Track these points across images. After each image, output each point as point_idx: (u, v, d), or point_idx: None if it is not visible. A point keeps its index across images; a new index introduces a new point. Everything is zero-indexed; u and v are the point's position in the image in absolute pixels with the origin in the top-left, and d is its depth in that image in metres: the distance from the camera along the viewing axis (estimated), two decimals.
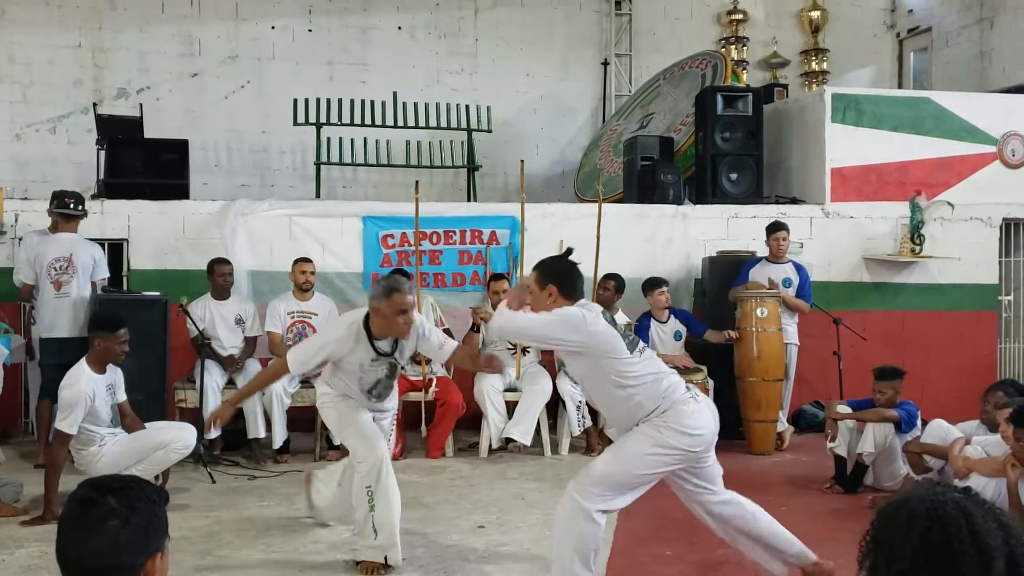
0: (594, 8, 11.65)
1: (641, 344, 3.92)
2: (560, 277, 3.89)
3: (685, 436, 3.75)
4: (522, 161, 7.78)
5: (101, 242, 7.18)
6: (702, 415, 3.82)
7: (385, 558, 4.34)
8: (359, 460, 4.41)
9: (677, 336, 7.47)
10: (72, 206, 6.69)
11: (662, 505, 5.64)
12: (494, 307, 7.19)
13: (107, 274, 6.86)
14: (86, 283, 6.64)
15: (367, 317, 4.44)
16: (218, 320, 7.01)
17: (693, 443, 3.77)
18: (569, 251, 4.10)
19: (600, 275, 7.39)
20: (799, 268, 7.58)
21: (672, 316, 7.49)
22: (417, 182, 7.60)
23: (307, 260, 7.23)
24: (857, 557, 1.71)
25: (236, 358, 6.93)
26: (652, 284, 7.47)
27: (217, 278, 7.07)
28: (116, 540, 1.79)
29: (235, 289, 7.28)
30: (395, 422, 4.62)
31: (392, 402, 4.90)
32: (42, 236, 6.73)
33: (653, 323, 7.44)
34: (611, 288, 7.39)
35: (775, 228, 7.58)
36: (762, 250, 7.84)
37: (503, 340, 7.09)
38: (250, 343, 7.10)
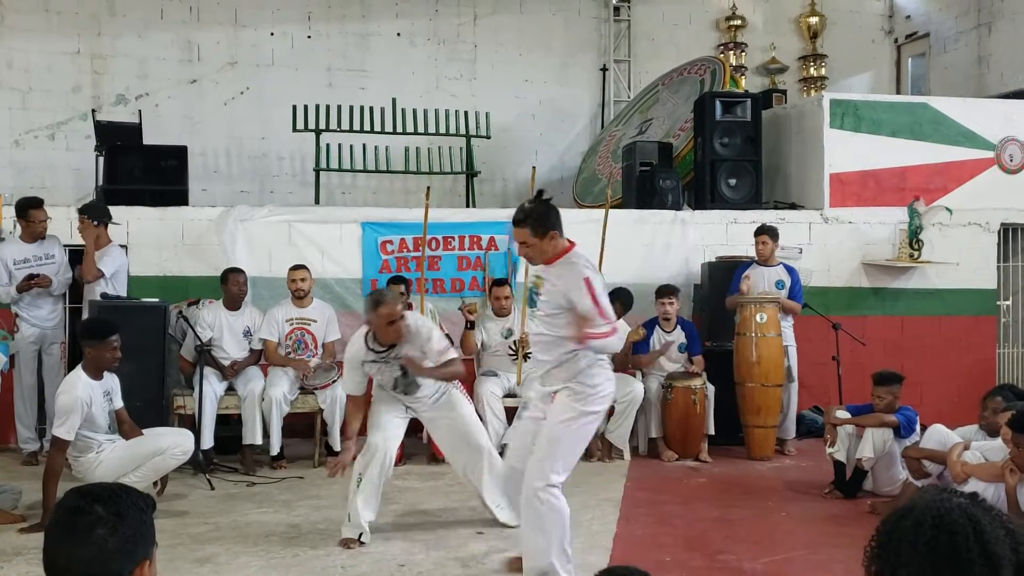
0: (593, 14, 11.66)
1: None
2: (555, 220, 4.11)
3: (605, 400, 4.19)
4: (534, 168, 7.79)
5: None
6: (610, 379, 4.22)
7: (360, 535, 4.85)
8: (365, 446, 4.95)
9: (681, 348, 7.43)
10: None
11: (662, 511, 5.67)
12: (496, 312, 7.28)
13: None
14: None
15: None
16: (226, 330, 6.94)
17: (607, 405, 4.28)
18: (540, 192, 4.25)
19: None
20: (790, 270, 7.60)
21: (679, 326, 7.47)
22: (428, 187, 7.57)
23: (299, 268, 7.16)
24: (862, 563, 1.68)
25: (236, 363, 6.89)
26: (661, 292, 7.45)
27: (232, 287, 6.98)
28: (103, 548, 1.78)
29: (246, 300, 7.14)
30: (459, 396, 5.25)
31: (427, 390, 5.07)
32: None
33: (657, 330, 7.42)
34: (618, 309, 7.31)
35: (758, 232, 7.60)
36: None
37: (506, 346, 7.15)
38: (255, 355, 7.06)
